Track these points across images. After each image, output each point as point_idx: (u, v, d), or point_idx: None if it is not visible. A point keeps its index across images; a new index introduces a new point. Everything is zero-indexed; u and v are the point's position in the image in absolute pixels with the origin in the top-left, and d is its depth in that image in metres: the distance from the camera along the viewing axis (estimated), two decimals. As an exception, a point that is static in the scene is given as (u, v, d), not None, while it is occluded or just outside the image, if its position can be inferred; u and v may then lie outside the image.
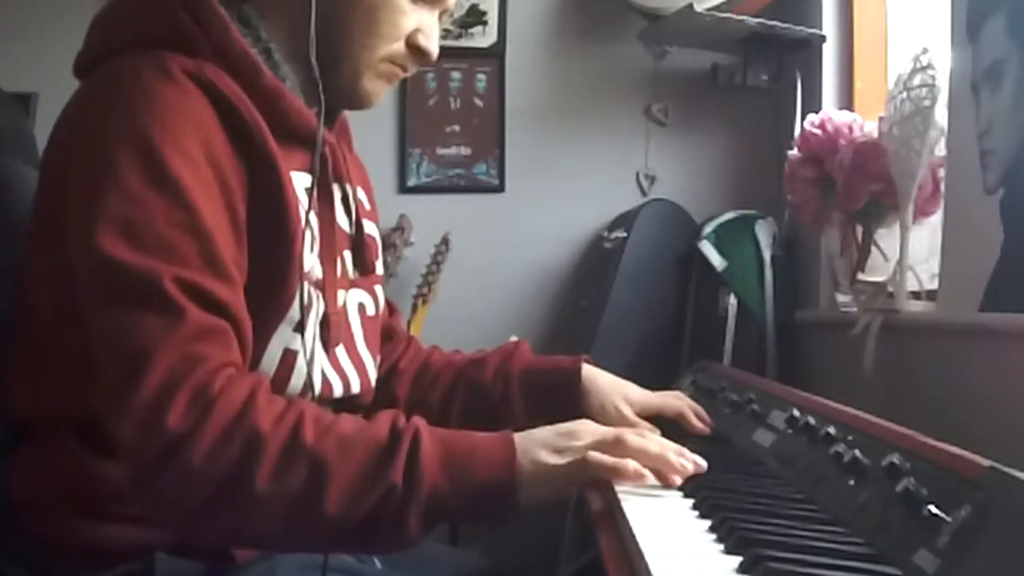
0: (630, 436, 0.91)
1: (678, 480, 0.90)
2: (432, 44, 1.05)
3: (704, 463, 0.92)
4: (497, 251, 2.48)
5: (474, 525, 1.56)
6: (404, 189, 2.49)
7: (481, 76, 2.51)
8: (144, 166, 0.85)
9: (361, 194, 1.16)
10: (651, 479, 0.90)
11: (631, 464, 0.88)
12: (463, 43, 2.48)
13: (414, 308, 2.25)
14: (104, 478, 0.92)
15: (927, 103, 1.52)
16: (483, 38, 2.49)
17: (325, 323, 1.02)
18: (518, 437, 0.88)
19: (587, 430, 0.92)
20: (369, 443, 0.83)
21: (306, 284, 0.98)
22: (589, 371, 1.27)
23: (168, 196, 0.85)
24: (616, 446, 0.90)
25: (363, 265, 1.13)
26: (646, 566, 0.66)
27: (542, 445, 0.88)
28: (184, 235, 0.85)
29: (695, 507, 0.85)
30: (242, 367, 0.87)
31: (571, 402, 1.24)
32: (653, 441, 0.92)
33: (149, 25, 0.95)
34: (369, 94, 1.05)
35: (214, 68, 0.93)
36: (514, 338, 1.41)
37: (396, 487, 0.81)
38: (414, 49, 1.04)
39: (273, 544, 0.90)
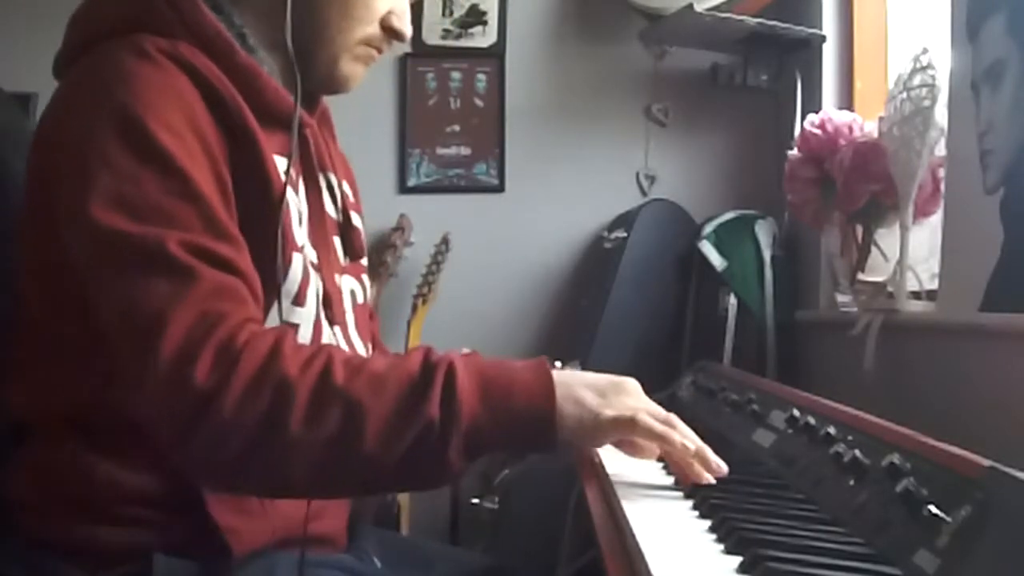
0: (680, 424, 0.92)
1: (709, 479, 0.90)
2: (405, 25, 1.06)
3: (725, 468, 0.92)
4: (497, 251, 2.48)
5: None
6: (404, 189, 2.49)
7: (481, 76, 2.51)
8: (131, 143, 0.86)
9: (346, 187, 1.17)
10: (657, 464, 0.91)
11: (678, 437, 0.89)
12: (463, 43, 2.48)
13: (414, 308, 2.25)
14: (102, 479, 0.92)
15: (927, 103, 1.52)
16: (483, 38, 2.49)
17: (327, 301, 1.02)
18: (557, 372, 0.88)
19: (637, 390, 0.92)
20: (403, 379, 0.83)
21: (303, 259, 0.99)
22: None
23: (159, 168, 0.86)
24: (666, 421, 0.90)
25: (352, 252, 1.14)
26: (646, 566, 0.66)
27: (585, 386, 0.88)
28: (181, 202, 0.86)
29: (695, 507, 0.85)
30: (261, 320, 0.88)
31: None
32: (697, 438, 0.93)
33: (122, 12, 0.96)
34: (347, 78, 1.06)
35: (189, 47, 0.94)
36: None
37: (434, 421, 0.81)
38: (388, 31, 1.05)
39: (314, 489, 0.89)
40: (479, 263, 2.44)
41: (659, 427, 0.89)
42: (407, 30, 1.06)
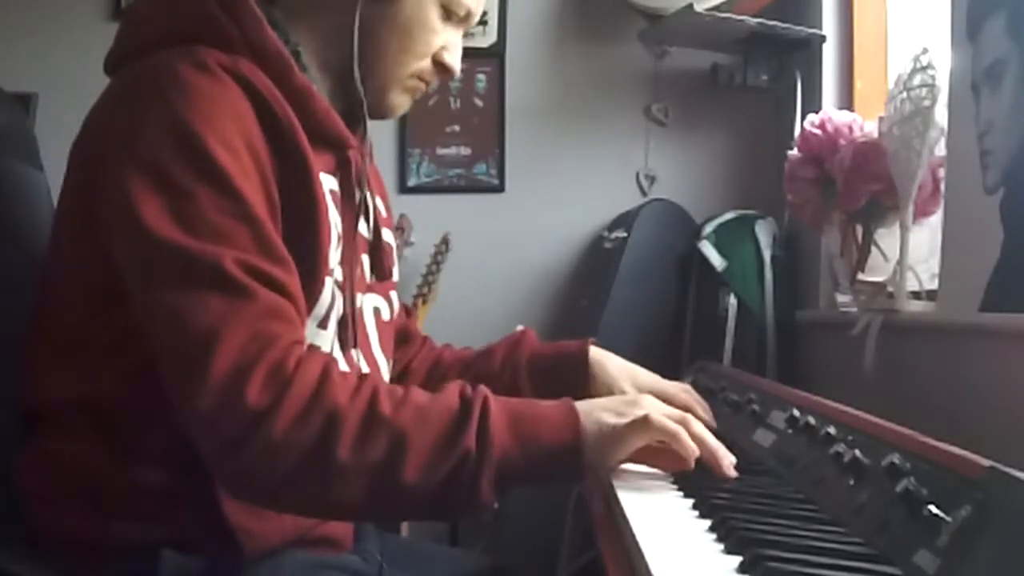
0: (695, 422, 0.94)
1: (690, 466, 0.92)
2: (456, 61, 1.09)
3: (733, 458, 0.94)
4: (497, 251, 2.48)
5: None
6: (404, 189, 2.49)
7: (481, 76, 2.51)
8: (188, 157, 0.87)
9: (379, 203, 1.18)
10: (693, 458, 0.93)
11: (687, 438, 0.91)
12: (463, 43, 2.48)
13: (414, 308, 2.25)
14: (114, 473, 0.93)
15: (927, 103, 1.51)
16: (483, 38, 2.49)
17: (344, 324, 1.03)
18: (580, 403, 0.91)
19: (651, 402, 0.95)
20: (443, 412, 0.86)
21: (331, 283, 1.00)
22: (597, 354, 1.27)
23: (215, 186, 0.87)
24: (681, 421, 0.92)
25: (380, 271, 1.14)
26: (646, 566, 0.66)
27: (604, 409, 0.91)
28: (235, 222, 0.87)
29: (695, 507, 0.85)
30: (305, 343, 0.89)
31: (579, 386, 1.23)
32: (712, 436, 0.95)
33: (182, 20, 0.97)
34: (394, 107, 1.09)
35: (248, 64, 0.94)
36: (520, 327, 1.41)
37: (470, 453, 0.84)
38: (439, 65, 1.08)
39: (354, 513, 0.93)
40: (479, 263, 2.44)
41: (671, 425, 0.91)
42: (457, 66, 1.09)
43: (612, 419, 0.90)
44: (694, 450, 0.91)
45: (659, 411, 0.92)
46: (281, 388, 0.81)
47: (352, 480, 0.82)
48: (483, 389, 0.89)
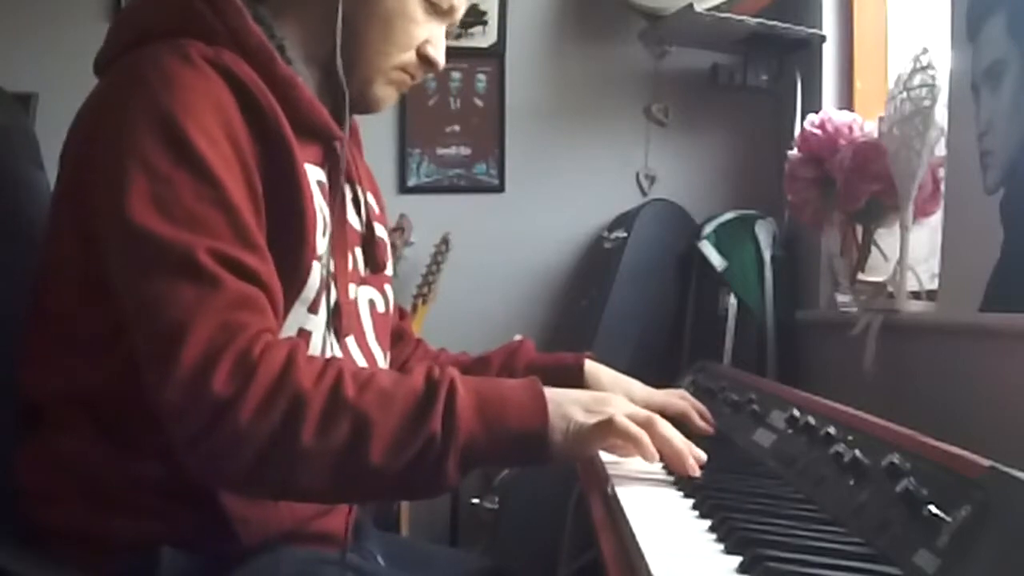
0: (660, 423, 0.94)
1: (693, 472, 0.93)
2: (440, 55, 1.10)
3: (704, 456, 0.95)
4: (497, 251, 2.48)
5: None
6: (404, 189, 2.49)
7: (481, 76, 2.51)
8: (169, 145, 0.88)
9: (371, 199, 1.18)
10: (657, 464, 0.94)
11: (648, 442, 0.91)
12: (463, 43, 2.48)
13: (414, 308, 2.25)
14: (114, 468, 0.93)
15: (927, 103, 1.52)
16: (483, 38, 2.49)
17: (336, 312, 1.04)
18: (549, 390, 0.91)
19: (621, 402, 0.96)
20: (408, 395, 0.86)
21: (320, 267, 1.00)
22: (592, 367, 1.29)
23: (194, 173, 0.88)
24: (645, 425, 0.93)
25: (374, 263, 1.15)
26: (646, 566, 0.66)
27: (574, 403, 0.92)
28: (212, 209, 0.88)
29: (695, 507, 0.85)
30: (277, 332, 0.90)
31: None
32: (679, 436, 0.95)
33: (168, 16, 0.98)
34: (379, 99, 1.09)
35: (232, 55, 0.96)
36: (518, 336, 1.42)
37: (435, 436, 0.84)
38: (423, 59, 1.09)
39: (320, 496, 0.93)
40: (479, 263, 2.44)
41: (634, 429, 0.91)
42: (441, 60, 1.10)
43: (580, 416, 0.90)
44: (654, 455, 0.92)
45: (625, 413, 0.92)
46: (246, 376, 0.82)
47: (317, 464, 0.83)
48: (451, 371, 0.89)
